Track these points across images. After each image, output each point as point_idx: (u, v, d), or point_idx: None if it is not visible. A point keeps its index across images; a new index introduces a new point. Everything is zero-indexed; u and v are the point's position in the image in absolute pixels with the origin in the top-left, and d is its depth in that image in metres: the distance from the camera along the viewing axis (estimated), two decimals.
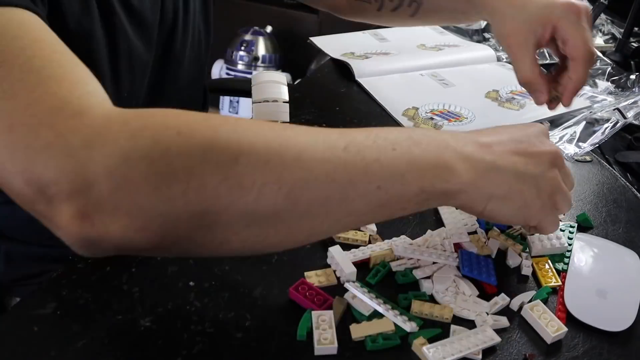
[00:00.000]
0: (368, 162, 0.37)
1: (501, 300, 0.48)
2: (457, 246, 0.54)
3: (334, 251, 0.50)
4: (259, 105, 0.53)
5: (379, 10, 0.76)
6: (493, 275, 0.51)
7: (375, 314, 0.45)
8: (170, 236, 0.35)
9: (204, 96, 0.83)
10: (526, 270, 0.52)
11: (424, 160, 0.39)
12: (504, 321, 0.47)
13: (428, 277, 0.50)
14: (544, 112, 0.82)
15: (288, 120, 0.55)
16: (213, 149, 0.34)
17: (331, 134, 0.39)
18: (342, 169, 0.37)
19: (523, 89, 0.89)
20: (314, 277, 0.48)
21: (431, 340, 0.44)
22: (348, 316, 0.46)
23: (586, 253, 0.55)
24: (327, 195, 0.37)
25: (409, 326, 0.44)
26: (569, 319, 0.48)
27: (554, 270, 0.52)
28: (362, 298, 0.46)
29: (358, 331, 0.44)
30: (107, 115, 0.35)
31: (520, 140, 0.44)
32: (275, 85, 0.55)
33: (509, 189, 0.42)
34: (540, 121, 0.80)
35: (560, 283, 0.51)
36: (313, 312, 0.44)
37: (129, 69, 0.59)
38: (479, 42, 1.11)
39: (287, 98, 0.54)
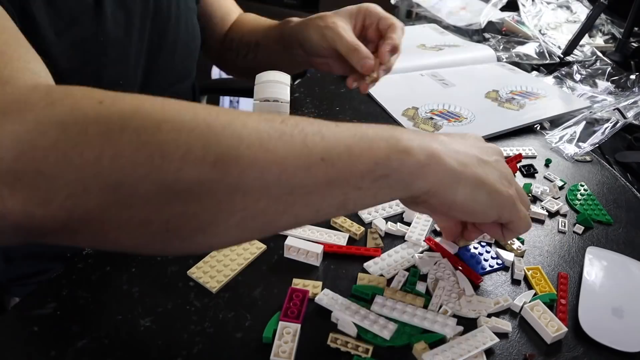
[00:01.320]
0: (308, 134, 0.34)
1: (503, 301, 0.48)
2: (430, 240, 0.55)
3: (291, 242, 0.51)
4: (259, 104, 0.53)
5: (237, 57, 0.85)
6: (497, 257, 0.54)
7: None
8: (79, 212, 0.30)
9: (193, 94, 0.85)
10: (518, 275, 0.52)
11: (374, 134, 0.36)
12: (506, 326, 0.46)
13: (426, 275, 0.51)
14: (544, 112, 0.82)
15: None
16: (134, 116, 0.31)
17: (268, 114, 0.36)
18: (278, 139, 0.33)
19: (523, 89, 0.89)
20: (303, 286, 0.48)
21: (432, 345, 0.43)
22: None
23: (597, 268, 0.54)
24: (262, 166, 0.32)
25: (385, 333, 0.44)
26: (576, 335, 0.48)
27: (546, 278, 0.52)
28: (333, 310, 0.45)
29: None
30: (32, 86, 0.33)
31: (478, 147, 0.44)
32: (277, 85, 0.54)
33: (474, 174, 0.40)
34: (541, 121, 0.81)
35: (556, 292, 0.50)
36: (280, 322, 0.44)
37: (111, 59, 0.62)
38: (479, 42, 1.11)
39: (288, 99, 0.54)
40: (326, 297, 0.46)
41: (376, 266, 0.51)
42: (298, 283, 0.48)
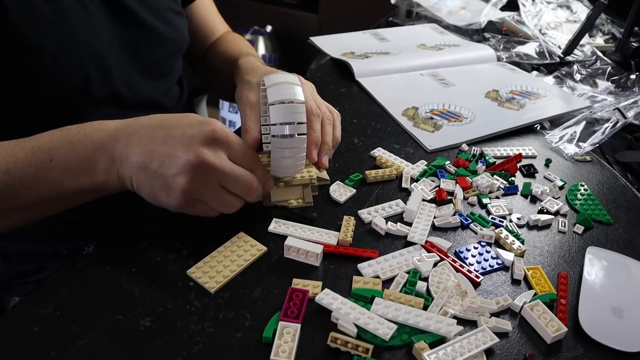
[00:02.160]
0: (26, 179, 0.48)
1: (503, 301, 0.48)
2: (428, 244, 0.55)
3: (291, 242, 0.51)
4: (276, 107, 0.52)
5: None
6: (497, 257, 0.54)
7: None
8: None
9: (180, 84, 0.87)
10: (518, 275, 0.52)
11: (76, 164, 0.49)
12: (506, 326, 0.47)
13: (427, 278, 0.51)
14: (544, 112, 0.82)
15: (304, 121, 0.54)
16: None
17: None
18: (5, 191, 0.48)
19: (523, 88, 0.89)
20: (303, 286, 0.48)
21: (432, 345, 0.43)
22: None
23: (597, 268, 0.54)
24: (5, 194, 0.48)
25: (385, 333, 0.44)
26: (576, 335, 0.48)
27: (546, 278, 0.52)
28: (333, 310, 0.45)
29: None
30: None
31: (164, 143, 0.48)
32: (290, 86, 0.54)
33: (138, 182, 0.49)
34: (541, 121, 0.81)
35: (556, 292, 0.51)
36: (280, 322, 0.44)
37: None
38: (479, 42, 1.11)
39: (302, 98, 0.53)
40: (326, 297, 0.46)
41: (370, 268, 0.51)
42: (298, 283, 0.48)
